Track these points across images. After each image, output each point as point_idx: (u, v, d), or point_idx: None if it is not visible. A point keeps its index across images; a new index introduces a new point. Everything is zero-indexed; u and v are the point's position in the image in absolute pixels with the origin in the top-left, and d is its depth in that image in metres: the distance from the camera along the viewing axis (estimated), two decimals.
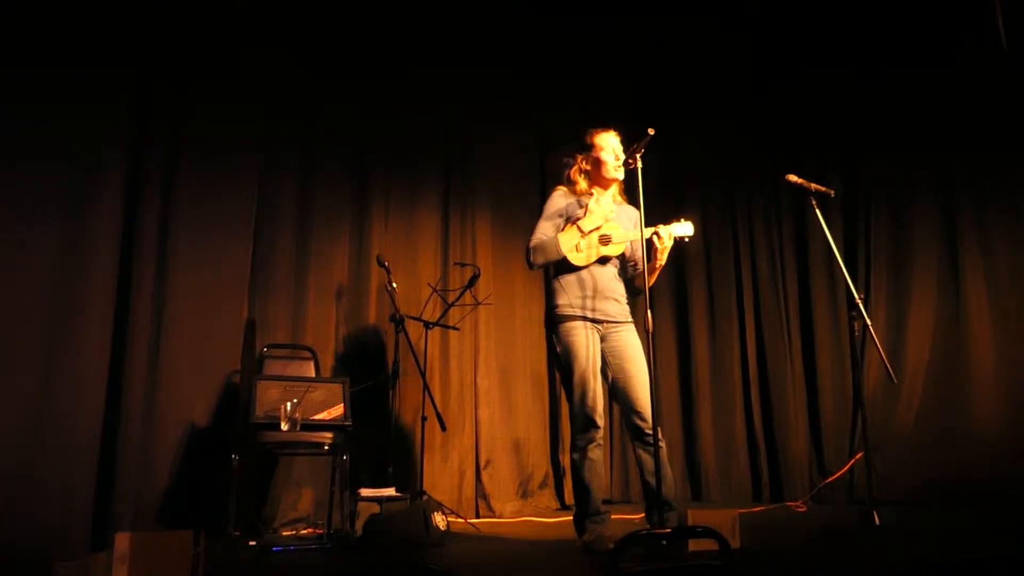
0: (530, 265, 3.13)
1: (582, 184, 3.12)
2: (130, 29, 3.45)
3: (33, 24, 3.18)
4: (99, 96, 3.31)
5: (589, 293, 2.99)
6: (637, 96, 5.29)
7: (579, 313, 2.98)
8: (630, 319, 3.08)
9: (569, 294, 3.00)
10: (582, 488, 2.94)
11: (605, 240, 3.03)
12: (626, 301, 3.10)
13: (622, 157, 3.06)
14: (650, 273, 2.89)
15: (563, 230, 3.07)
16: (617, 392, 3.01)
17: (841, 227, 5.09)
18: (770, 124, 5.42)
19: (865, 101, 5.09)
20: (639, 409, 2.90)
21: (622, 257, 3.13)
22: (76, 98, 3.25)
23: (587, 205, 3.05)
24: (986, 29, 3.94)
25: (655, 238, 2.94)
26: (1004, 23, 3.83)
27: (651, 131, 2.74)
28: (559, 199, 3.13)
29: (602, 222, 3.02)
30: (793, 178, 3.55)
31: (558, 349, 3.03)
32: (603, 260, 3.05)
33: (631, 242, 3.06)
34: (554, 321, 3.03)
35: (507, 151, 4.97)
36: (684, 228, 3.01)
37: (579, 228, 3.02)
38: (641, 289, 3.00)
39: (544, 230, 3.08)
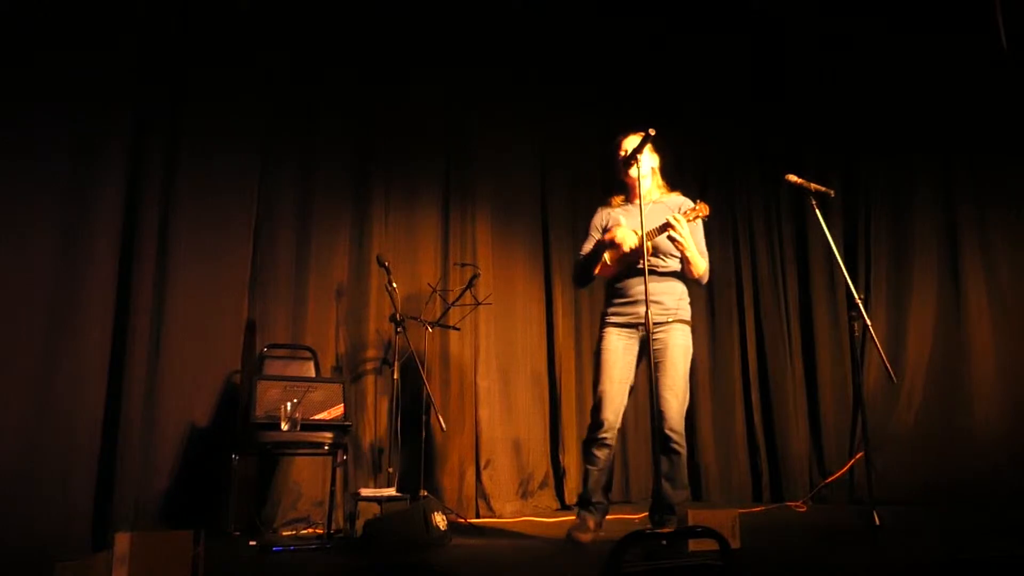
0: (576, 286, 3.43)
1: (614, 198, 3.34)
2: (131, 27, 3.44)
3: (33, 23, 3.18)
4: (100, 95, 3.31)
5: (621, 299, 3.18)
6: (637, 96, 5.30)
7: (614, 320, 3.19)
8: (676, 318, 3.13)
9: (609, 301, 3.24)
10: (584, 474, 3.21)
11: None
12: (676, 300, 3.16)
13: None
14: (686, 265, 3.09)
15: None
16: (652, 394, 3.03)
17: (841, 227, 5.09)
18: (770, 124, 5.42)
19: (865, 101, 5.09)
20: (667, 416, 3.03)
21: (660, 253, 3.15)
22: (77, 96, 3.25)
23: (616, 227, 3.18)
24: (986, 29, 3.94)
25: (671, 231, 2.98)
26: (1004, 23, 3.83)
27: (651, 131, 2.77)
28: (596, 215, 3.35)
29: (623, 236, 3.11)
30: (793, 178, 3.55)
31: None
32: (631, 266, 3.13)
33: (657, 236, 3.04)
34: (600, 324, 3.26)
35: (507, 151, 4.97)
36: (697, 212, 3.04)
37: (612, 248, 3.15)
38: (692, 278, 3.19)
39: (585, 249, 3.32)
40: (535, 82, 5.07)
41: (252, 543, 3.10)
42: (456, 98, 4.79)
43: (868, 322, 3.42)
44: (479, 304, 4.33)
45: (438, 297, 4.34)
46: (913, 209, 4.94)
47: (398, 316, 3.88)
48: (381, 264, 3.94)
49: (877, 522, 3.18)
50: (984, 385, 4.54)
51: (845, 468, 4.64)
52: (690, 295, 3.27)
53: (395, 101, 4.52)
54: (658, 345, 3.07)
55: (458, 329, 4.37)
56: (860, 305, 3.43)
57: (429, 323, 4.13)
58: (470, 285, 4.19)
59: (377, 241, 4.36)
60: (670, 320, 3.11)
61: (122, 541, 2.18)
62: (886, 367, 3.50)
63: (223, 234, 3.73)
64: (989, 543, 2.85)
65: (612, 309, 3.20)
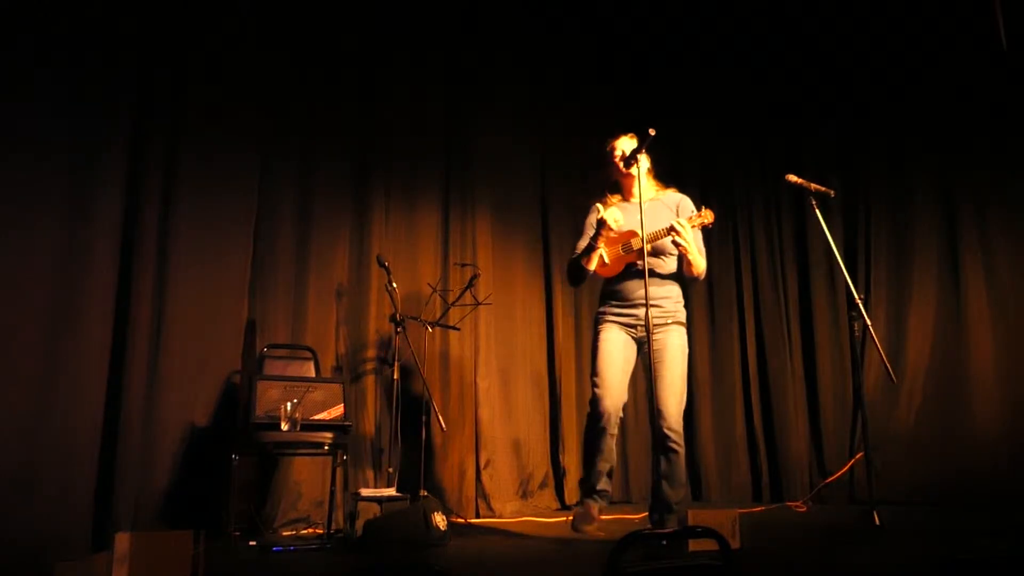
0: (570, 284, 3.49)
1: (609, 196, 3.35)
2: (130, 28, 3.45)
3: (34, 23, 3.18)
4: (99, 95, 3.31)
5: (620, 301, 3.22)
6: (637, 96, 5.30)
7: (612, 319, 3.24)
8: (674, 320, 3.19)
9: (606, 301, 3.28)
10: (586, 463, 3.24)
11: (628, 248, 3.18)
12: (674, 303, 3.21)
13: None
14: (686, 265, 3.10)
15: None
16: (651, 394, 3.11)
17: (841, 227, 5.09)
18: (770, 124, 5.42)
19: (864, 101, 5.09)
20: (666, 416, 3.06)
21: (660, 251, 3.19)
22: (77, 97, 3.25)
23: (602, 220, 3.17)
24: (986, 28, 3.94)
25: (674, 235, 3.04)
26: (1004, 23, 3.83)
27: (652, 131, 2.78)
28: (592, 213, 3.32)
29: (614, 225, 3.12)
30: (793, 178, 3.55)
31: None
32: (630, 267, 3.17)
33: (659, 236, 3.10)
34: (595, 323, 3.31)
35: (507, 151, 4.97)
36: (702, 218, 3.11)
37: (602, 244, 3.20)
38: (691, 276, 3.20)
39: (580, 247, 3.33)
40: (535, 82, 5.07)
41: (252, 543, 3.11)
42: (456, 98, 4.79)
43: (868, 322, 3.43)
44: (479, 304, 4.33)
45: (438, 297, 4.34)
46: (913, 209, 4.94)
47: (398, 316, 3.88)
48: (381, 264, 3.94)
49: (877, 522, 3.18)
50: (984, 385, 4.54)
51: (845, 468, 4.64)
52: (689, 294, 3.30)
53: (395, 101, 4.52)
54: (657, 346, 3.11)
55: (458, 329, 4.37)
56: (860, 305, 3.43)
57: (429, 323, 4.13)
58: (470, 285, 4.19)
59: (377, 241, 4.36)
60: (669, 322, 3.17)
61: (122, 541, 2.19)
62: (886, 367, 3.50)
63: (223, 234, 3.73)
64: (989, 543, 2.86)
65: (611, 310, 3.23)
